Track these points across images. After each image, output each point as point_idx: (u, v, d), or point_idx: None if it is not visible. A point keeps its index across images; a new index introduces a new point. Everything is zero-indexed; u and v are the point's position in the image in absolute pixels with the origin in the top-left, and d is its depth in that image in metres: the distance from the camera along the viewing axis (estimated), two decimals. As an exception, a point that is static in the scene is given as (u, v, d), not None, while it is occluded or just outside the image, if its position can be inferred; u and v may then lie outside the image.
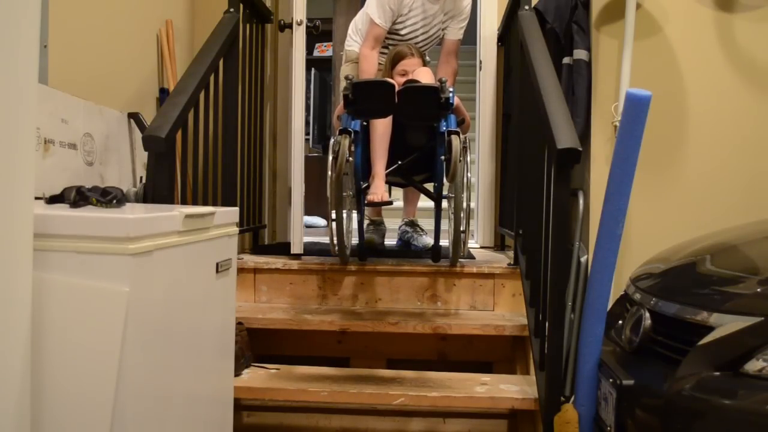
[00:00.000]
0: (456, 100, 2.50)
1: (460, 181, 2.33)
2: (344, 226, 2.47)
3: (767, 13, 2.53)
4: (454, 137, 2.21)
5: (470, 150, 2.53)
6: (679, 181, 2.55)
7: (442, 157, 2.35)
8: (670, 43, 2.56)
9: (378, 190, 2.49)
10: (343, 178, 2.41)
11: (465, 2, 2.80)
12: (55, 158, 2.04)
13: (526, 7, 2.53)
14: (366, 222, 2.98)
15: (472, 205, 2.69)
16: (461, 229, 2.42)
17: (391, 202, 2.49)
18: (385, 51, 2.83)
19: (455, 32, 2.84)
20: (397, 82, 2.55)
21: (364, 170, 2.58)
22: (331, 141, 2.44)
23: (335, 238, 2.47)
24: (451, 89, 2.40)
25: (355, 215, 2.71)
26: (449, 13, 2.81)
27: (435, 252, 2.56)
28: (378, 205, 2.53)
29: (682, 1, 2.55)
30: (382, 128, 2.53)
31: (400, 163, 2.60)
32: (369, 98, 2.18)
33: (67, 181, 2.04)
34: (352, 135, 2.35)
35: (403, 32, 2.82)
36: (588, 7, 2.62)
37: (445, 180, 2.42)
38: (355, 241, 2.74)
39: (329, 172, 2.39)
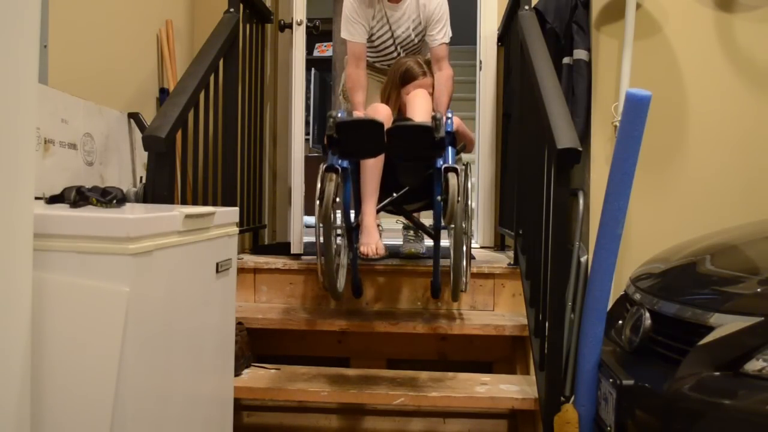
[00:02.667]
0: (456, 122, 2.38)
1: (459, 220, 2.05)
2: (334, 264, 2.14)
3: (767, 13, 2.53)
4: (451, 175, 1.96)
5: (471, 174, 2.30)
6: (679, 181, 2.55)
7: (439, 198, 2.15)
8: (670, 43, 2.56)
9: (371, 239, 2.24)
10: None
11: (433, 5, 2.64)
12: (55, 158, 2.04)
13: (526, 7, 2.53)
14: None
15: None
16: (462, 264, 2.13)
17: (386, 257, 2.28)
18: (385, 68, 2.78)
19: (438, 38, 2.65)
20: (404, 102, 2.53)
21: (356, 201, 2.34)
22: (319, 174, 2.10)
23: (324, 278, 2.15)
24: (449, 115, 2.32)
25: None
26: (418, 20, 2.67)
27: (434, 288, 2.35)
28: (372, 261, 2.26)
29: (682, 1, 2.55)
30: (372, 161, 2.30)
31: (395, 195, 2.38)
32: (356, 138, 1.99)
33: (67, 181, 2.04)
34: (339, 173, 2.06)
35: (376, 44, 2.75)
36: (588, 7, 2.62)
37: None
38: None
39: (316, 213, 2.12)
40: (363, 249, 2.23)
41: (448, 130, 2.18)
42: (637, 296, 1.70)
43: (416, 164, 2.36)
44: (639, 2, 2.54)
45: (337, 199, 2.07)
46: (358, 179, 2.31)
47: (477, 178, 3.23)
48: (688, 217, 2.50)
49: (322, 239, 2.05)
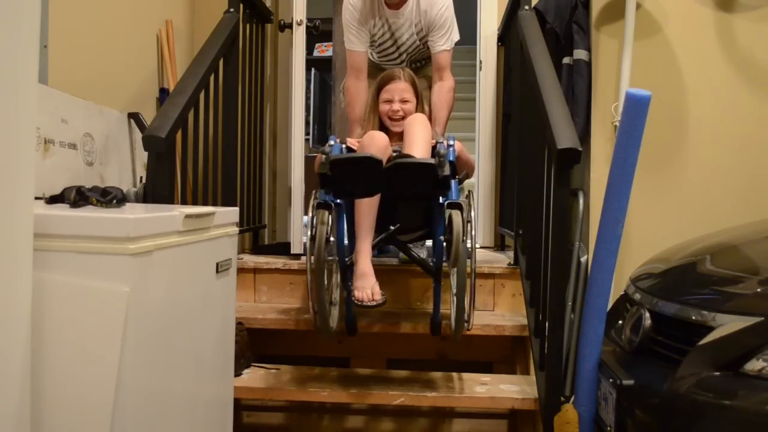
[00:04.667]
0: (457, 147, 2.22)
1: (464, 261, 1.92)
2: (326, 307, 1.99)
3: (767, 13, 2.53)
4: (455, 214, 1.81)
5: (473, 204, 2.12)
6: (679, 181, 2.55)
7: (441, 238, 1.97)
8: (670, 43, 2.56)
9: (366, 282, 2.04)
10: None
11: (435, 10, 2.50)
12: (55, 158, 2.04)
13: (526, 7, 2.53)
14: None
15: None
16: (464, 304, 1.98)
17: (383, 303, 2.04)
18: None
19: (439, 44, 2.53)
20: (382, 111, 2.36)
21: (350, 233, 2.14)
22: (309, 213, 1.97)
23: (315, 316, 2.00)
24: (450, 142, 2.17)
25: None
26: (420, 25, 2.55)
27: (433, 325, 2.14)
28: (367, 307, 2.05)
29: (682, 1, 2.55)
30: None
31: (391, 228, 2.17)
32: (352, 177, 1.82)
33: (67, 181, 2.04)
34: (332, 209, 1.93)
35: (379, 49, 2.66)
36: (588, 7, 2.62)
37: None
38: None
39: (307, 252, 1.96)
40: (357, 294, 2.04)
41: (450, 159, 2.05)
42: (637, 296, 1.70)
43: (416, 203, 2.17)
44: (639, 2, 2.54)
45: (331, 239, 1.94)
46: (352, 210, 2.13)
47: (477, 178, 3.23)
48: (688, 217, 2.50)
49: (312, 282, 1.90)
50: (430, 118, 2.50)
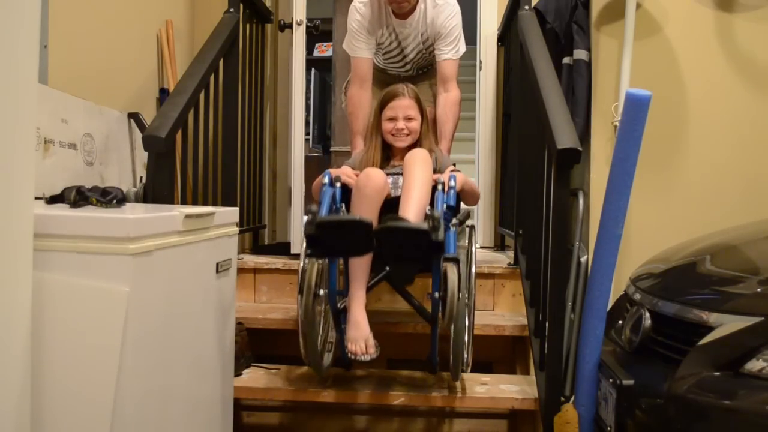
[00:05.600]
0: (460, 180, 2.11)
1: (461, 319, 1.86)
2: (318, 355, 1.95)
3: (767, 13, 2.53)
4: (449, 267, 1.74)
5: (474, 240, 2.04)
6: (679, 181, 2.55)
7: (436, 294, 1.86)
8: (670, 43, 2.56)
9: (359, 334, 1.93)
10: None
11: (441, 19, 2.46)
12: (55, 158, 2.04)
13: (526, 7, 2.53)
14: None
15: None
16: (462, 351, 1.95)
17: (378, 356, 1.96)
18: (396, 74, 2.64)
19: (444, 52, 2.47)
20: (386, 129, 2.26)
21: (344, 271, 2.05)
22: (300, 262, 1.88)
23: (307, 351, 1.95)
24: (452, 184, 2.06)
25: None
26: (426, 35, 2.51)
27: (430, 365, 2.07)
28: (360, 361, 1.96)
29: (682, 1, 2.55)
30: None
31: (387, 268, 2.04)
32: (339, 239, 1.71)
33: (67, 181, 2.04)
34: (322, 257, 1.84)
35: (385, 56, 2.61)
36: (588, 7, 2.62)
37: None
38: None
39: (297, 301, 1.88)
40: (350, 346, 1.93)
41: (451, 204, 1.97)
42: (637, 296, 1.70)
43: (410, 264, 2.03)
44: (639, 2, 2.54)
45: (321, 292, 1.88)
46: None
47: (477, 178, 3.23)
48: (688, 217, 2.50)
49: (301, 334, 1.86)
50: (434, 125, 2.48)
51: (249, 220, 2.94)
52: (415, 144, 2.29)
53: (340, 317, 1.99)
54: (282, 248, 2.88)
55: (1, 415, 1.13)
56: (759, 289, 1.48)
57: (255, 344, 2.33)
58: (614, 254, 1.71)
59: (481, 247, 3.21)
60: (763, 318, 1.34)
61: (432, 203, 2.02)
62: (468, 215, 2.16)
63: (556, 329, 1.84)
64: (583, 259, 2.51)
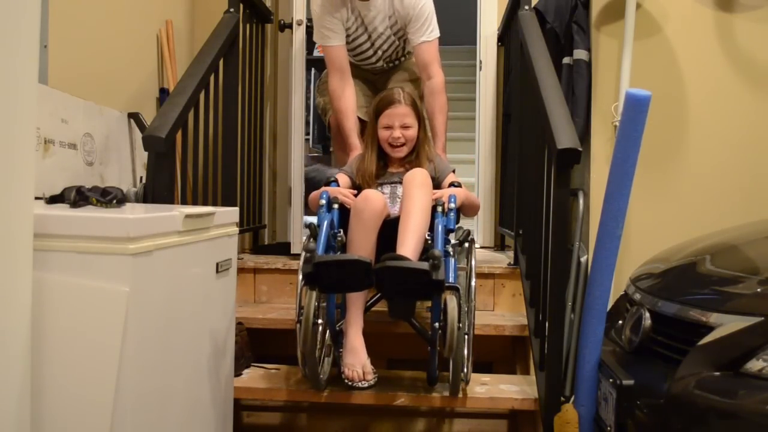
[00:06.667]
0: (460, 196, 2.09)
1: (461, 350, 1.85)
2: (317, 374, 1.95)
3: (767, 13, 2.53)
4: (449, 297, 1.72)
5: (474, 253, 2.04)
6: (679, 181, 2.55)
7: (436, 325, 1.86)
8: (670, 43, 2.56)
9: (356, 360, 1.94)
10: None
11: (408, 0, 2.36)
12: (55, 158, 2.04)
13: (526, 7, 2.53)
14: None
15: None
16: (462, 366, 1.93)
17: (375, 383, 1.97)
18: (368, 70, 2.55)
19: (418, 36, 2.33)
20: (382, 138, 2.22)
21: (341, 308, 2.03)
22: (298, 288, 1.87)
23: (305, 369, 1.94)
24: (452, 205, 2.02)
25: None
26: (394, 18, 2.41)
27: (429, 378, 2.06)
28: (357, 389, 1.95)
29: (682, 1, 2.55)
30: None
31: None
32: (337, 277, 1.70)
33: (67, 181, 2.04)
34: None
35: (353, 47, 2.53)
36: (588, 7, 2.62)
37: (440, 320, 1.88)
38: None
39: (296, 332, 1.88)
40: (347, 372, 1.94)
41: (450, 227, 1.96)
42: (637, 296, 1.70)
43: (410, 299, 1.99)
44: (639, 2, 2.53)
45: (319, 321, 1.87)
46: None
47: (477, 178, 3.23)
48: (688, 217, 2.50)
49: (301, 358, 1.87)
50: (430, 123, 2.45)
51: (249, 220, 2.94)
52: (413, 151, 2.29)
53: (338, 338, 2.00)
54: (282, 248, 2.88)
55: (1, 415, 1.13)
56: (759, 289, 1.48)
57: (255, 344, 2.33)
58: (614, 254, 1.71)
59: (481, 247, 3.21)
60: (763, 318, 1.34)
61: (432, 226, 1.98)
62: (468, 235, 2.13)
63: (556, 329, 1.84)
64: (583, 259, 2.51)
